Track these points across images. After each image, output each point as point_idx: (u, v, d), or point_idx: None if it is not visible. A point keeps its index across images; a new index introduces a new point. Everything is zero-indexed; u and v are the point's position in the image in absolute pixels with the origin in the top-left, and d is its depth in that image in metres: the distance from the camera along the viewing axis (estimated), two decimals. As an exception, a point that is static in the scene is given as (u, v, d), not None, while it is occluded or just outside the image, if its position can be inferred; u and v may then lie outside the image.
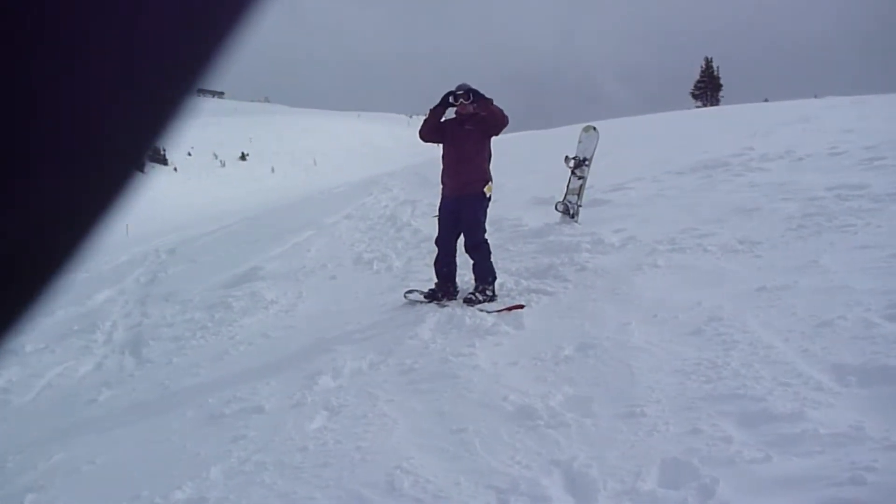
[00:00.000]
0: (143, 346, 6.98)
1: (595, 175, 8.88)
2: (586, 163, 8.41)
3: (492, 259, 6.15)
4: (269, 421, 4.31)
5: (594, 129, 8.63)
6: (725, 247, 6.06)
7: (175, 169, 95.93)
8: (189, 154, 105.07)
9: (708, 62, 52.28)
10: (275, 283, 8.27)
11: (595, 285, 5.75)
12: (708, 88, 51.44)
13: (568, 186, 8.36)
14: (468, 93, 5.96)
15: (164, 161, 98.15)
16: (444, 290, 6.27)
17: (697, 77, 52.39)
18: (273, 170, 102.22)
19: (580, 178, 8.33)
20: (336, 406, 4.31)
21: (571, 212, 8.09)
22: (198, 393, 5.24)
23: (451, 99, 6.05)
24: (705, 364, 3.87)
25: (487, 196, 6.13)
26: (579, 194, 8.22)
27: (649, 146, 13.94)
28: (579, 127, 9.30)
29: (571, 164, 8.43)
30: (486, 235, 6.19)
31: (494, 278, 6.12)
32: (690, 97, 52.29)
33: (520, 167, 14.37)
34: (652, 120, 21.49)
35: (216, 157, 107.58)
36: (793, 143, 10.09)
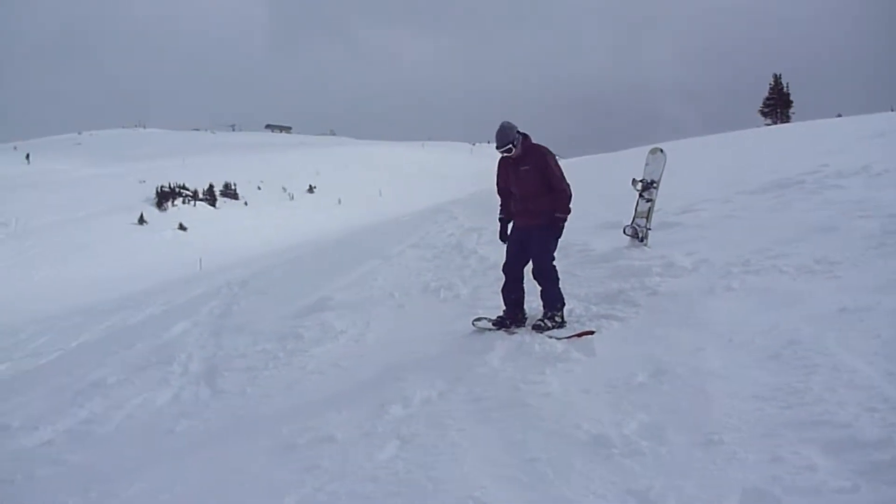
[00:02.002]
0: (218, 376, 7.12)
1: (664, 197, 8.75)
2: (654, 185, 8.29)
3: (560, 285, 6.09)
4: (341, 450, 4.34)
5: (661, 150, 8.51)
6: (802, 267, 5.86)
7: (245, 203, 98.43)
8: (259, 188, 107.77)
9: (777, 79, 51.09)
10: (344, 312, 8.36)
11: (667, 310, 5.63)
12: (777, 105, 50.19)
13: (636, 209, 8.25)
14: (507, 148, 6.02)
15: (235, 196, 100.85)
16: (512, 318, 6.22)
17: (766, 94, 51.21)
18: (340, 201, 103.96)
19: (648, 200, 8.21)
20: (407, 435, 4.32)
21: (640, 235, 7.98)
22: (271, 423, 5.31)
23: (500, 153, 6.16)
24: (785, 389, 3.74)
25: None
26: (648, 217, 8.10)
27: (719, 167, 13.67)
28: (645, 149, 9.19)
29: (639, 186, 8.33)
30: (555, 262, 6.14)
31: (563, 304, 6.03)
32: (759, 115, 51.12)
33: (586, 191, 14.23)
34: (720, 140, 21.12)
35: (285, 190, 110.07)
36: (870, 158, 9.75)
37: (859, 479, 2.84)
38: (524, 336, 5.80)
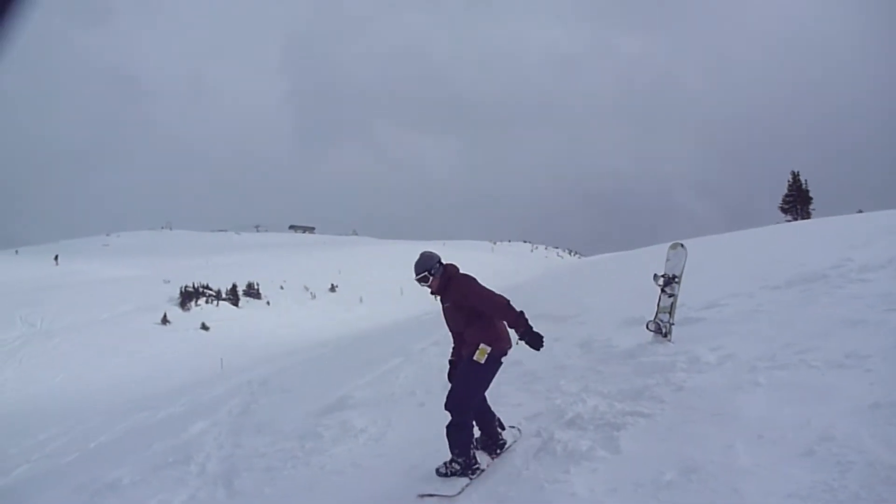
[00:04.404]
0: (236, 477, 7.01)
1: (686, 293, 8.69)
2: (676, 280, 8.25)
3: (466, 434, 5.33)
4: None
5: (682, 245, 8.51)
6: (831, 362, 5.72)
7: (268, 302, 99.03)
8: (281, 288, 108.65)
9: (795, 176, 51.40)
10: (365, 411, 8.27)
11: (694, 406, 5.48)
12: (797, 202, 50.32)
13: (659, 305, 8.19)
14: (423, 276, 5.60)
15: (257, 295, 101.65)
16: (484, 446, 5.62)
17: (786, 191, 51.47)
18: (361, 300, 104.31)
19: (671, 295, 8.16)
20: (429, 538, 4.19)
21: (664, 331, 7.89)
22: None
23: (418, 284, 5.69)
24: (820, 487, 3.60)
25: (481, 362, 5.31)
26: (671, 312, 8.03)
27: (741, 262, 13.63)
28: (665, 246, 9.20)
29: (661, 281, 8.29)
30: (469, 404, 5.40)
31: (464, 457, 5.26)
32: (780, 211, 51.24)
33: (607, 287, 14.24)
34: (741, 236, 21.14)
35: (307, 289, 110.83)
36: (895, 252, 9.69)
37: (905, 584, 2.69)
38: (551, 433, 5.65)
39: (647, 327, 8.01)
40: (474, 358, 5.29)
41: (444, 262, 5.71)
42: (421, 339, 13.78)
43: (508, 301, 5.32)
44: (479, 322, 5.41)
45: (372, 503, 5.20)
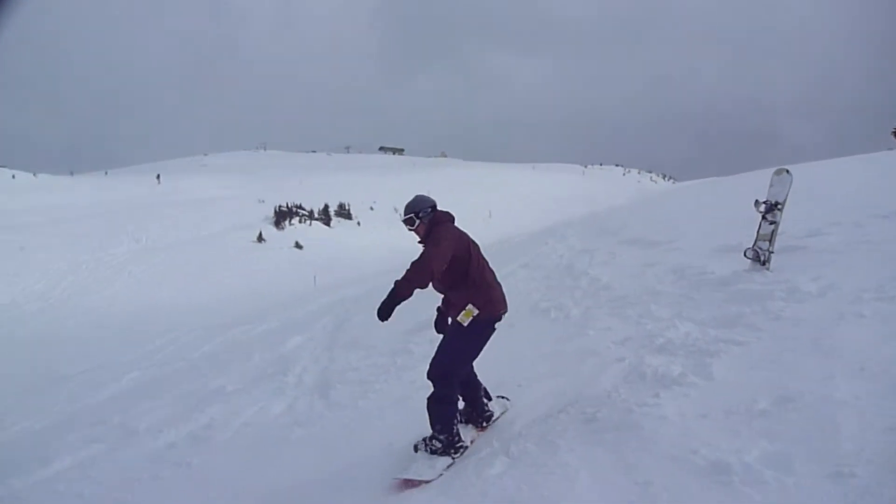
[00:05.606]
0: (331, 388, 7.30)
1: (788, 220, 8.35)
2: (779, 207, 7.94)
3: (449, 408, 4.77)
4: (452, 465, 4.36)
5: (787, 171, 8.15)
6: (943, 295, 5.45)
7: (359, 223, 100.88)
8: (371, 209, 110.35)
9: (912, 98, 48.07)
10: (454, 330, 8.41)
11: (791, 335, 5.33)
12: (916, 126, 47.07)
13: (758, 232, 7.91)
14: (409, 218, 5.02)
15: (348, 216, 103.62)
16: (469, 418, 5.26)
17: (901, 115, 48.20)
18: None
19: (772, 222, 7.87)
20: (516, 453, 4.28)
21: (762, 259, 7.64)
22: (383, 436, 5.39)
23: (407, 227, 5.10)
24: (925, 423, 3.48)
25: (464, 324, 4.77)
26: (771, 240, 7.75)
27: (848, 189, 12.98)
28: (763, 172, 8.82)
29: (762, 208, 8.00)
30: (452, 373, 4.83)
31: (445, 432, 4.72)
32: (893, 137, 48.12)
33: (702, 214, 13.85)
34: (849, 162, 20.06)
35: (396, 210, 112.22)
36: None
37: None
38: (640, 359, 5.62)
39: (745, 255, 7.78)
40: (458, 319, 4.76)
41: (439, 208, 5.12)
42: (509, 261, 13.81)
43: (430, 270, 4.48)
44: (465, 283, 4.84)
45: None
